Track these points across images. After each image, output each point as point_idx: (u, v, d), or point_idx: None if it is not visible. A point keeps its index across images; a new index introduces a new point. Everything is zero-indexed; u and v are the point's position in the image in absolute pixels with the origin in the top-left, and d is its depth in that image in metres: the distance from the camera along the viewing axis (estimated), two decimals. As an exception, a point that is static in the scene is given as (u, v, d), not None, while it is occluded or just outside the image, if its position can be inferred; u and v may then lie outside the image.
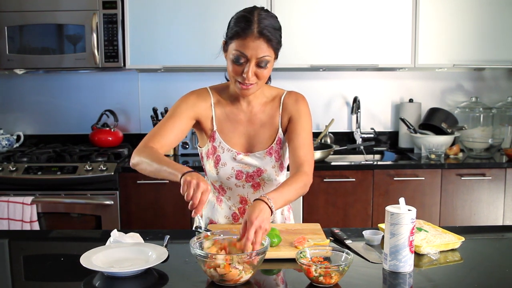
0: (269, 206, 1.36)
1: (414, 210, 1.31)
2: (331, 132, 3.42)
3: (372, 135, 3.42)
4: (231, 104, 1.68)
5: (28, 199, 2.71)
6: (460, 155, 3.13)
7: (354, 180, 2.88)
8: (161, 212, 2.86)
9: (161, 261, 1.31)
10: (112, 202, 2.78)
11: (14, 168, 2.78)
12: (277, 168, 1.70)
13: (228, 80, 1.65)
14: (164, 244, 1.43)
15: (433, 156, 3.01)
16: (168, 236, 1.48)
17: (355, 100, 3.34)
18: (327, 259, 1.31)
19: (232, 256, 1.21)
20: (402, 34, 3.04)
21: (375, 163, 3.07)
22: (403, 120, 3.26)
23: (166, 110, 3.22)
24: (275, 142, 1.68)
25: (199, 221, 1.39)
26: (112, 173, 2.78)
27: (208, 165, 1.70)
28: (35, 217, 2.71)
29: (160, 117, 3.25)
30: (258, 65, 1.51)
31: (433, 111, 3.30)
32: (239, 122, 1.68)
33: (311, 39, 3.03)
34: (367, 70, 3.42)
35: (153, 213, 2.86)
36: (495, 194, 2.93)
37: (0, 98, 3.40)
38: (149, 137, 1.59)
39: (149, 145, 1.56)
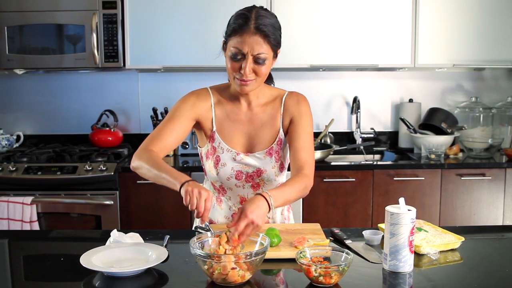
0: (268, 203, 1.37)
1: (414, 210, 1.31)
2: (331, 132, 3.42)
3: (372, 135, 3.42)
4: (232, 104, 1.68)
5: (28, 199, 2.71)
6: (460, 155, 3.13)
7: (354, 180, 2.88)
8: (161, 212, 2.86)
9: (161, 261, 1.31)
10: (112, 202, 2.78)
11: (14, 168, 2.78)
12: (277, 169, 1.70)
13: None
14: (164, 244, 1.44)
15: (433, 156, 3.01)
16: (168, 236, 1.48)
17: (355, 100, 3.34)
18: (327, 259, 1.31)
19: (230, 257, 1.21)
20: (402, 34, 3.04)
21: (375, 163, 3.07)
22: (403, 120, 3.26)
23: (166, 110, 3.22)
24: (275, 142, 1.68)
25: (199, 221, 1.40)
26: (112, 173, 2.78)
27: (208, 165, 1.70)
28: (35, 217, 2.72)
29: (160, 117, 3.25)
30: (256, 61, 1.51)
31: (433, 111, 3.30)
32: (239, 122, 1.68)
33: (311, 39, 3.03)
34: (367, 70, 3.42)
35: (153, 213, 2.86)
36: (495, 194, 2.93)
37: (0, 98, 3.40)
38: (149, 140, 1.60)
39: (149, 148, 1.56)
